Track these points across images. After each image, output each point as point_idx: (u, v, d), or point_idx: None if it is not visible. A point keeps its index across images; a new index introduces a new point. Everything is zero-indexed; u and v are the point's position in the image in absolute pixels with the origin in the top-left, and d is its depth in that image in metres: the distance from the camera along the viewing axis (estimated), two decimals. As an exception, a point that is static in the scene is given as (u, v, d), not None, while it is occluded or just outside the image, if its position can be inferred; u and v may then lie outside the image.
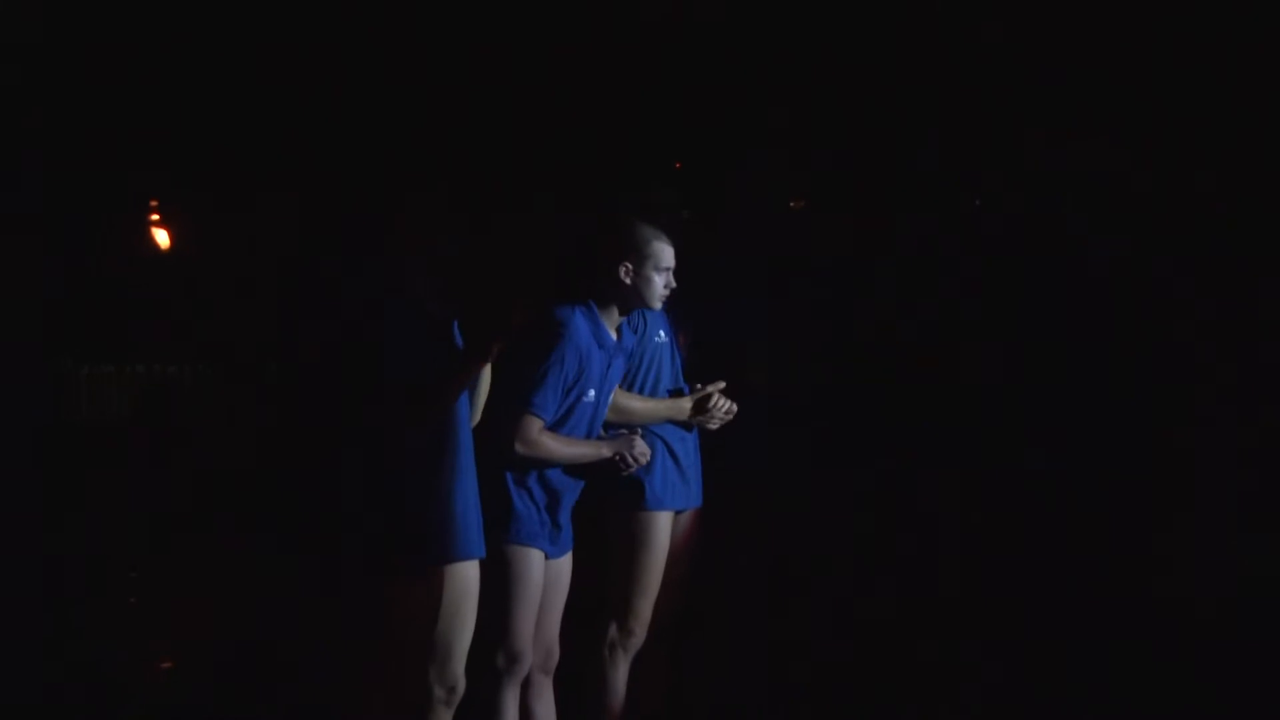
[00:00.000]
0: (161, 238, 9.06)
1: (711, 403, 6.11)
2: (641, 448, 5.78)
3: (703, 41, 7.36)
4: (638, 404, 6.06)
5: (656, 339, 6.10)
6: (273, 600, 7.51)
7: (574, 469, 5.75)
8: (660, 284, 5.82)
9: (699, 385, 6.12)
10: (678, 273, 6.10)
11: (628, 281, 5.77)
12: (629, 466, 5.78)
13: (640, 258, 5.77)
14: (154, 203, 8.91)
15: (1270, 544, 6.71)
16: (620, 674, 6.08)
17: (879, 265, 7.42)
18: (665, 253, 5.80)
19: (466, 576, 5.20)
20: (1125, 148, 7.01)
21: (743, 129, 7.45)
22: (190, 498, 8.44)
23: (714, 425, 6.13)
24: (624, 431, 5.81)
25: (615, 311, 5.83)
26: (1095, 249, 7.12)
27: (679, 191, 6.65)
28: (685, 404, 6.12)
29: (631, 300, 5.82)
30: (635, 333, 6.07)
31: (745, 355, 6.40)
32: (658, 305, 5.84)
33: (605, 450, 5.79)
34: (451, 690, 5.25)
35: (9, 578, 6.89)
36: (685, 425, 6.19)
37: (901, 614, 7.13)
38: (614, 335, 5.81)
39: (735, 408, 6.13)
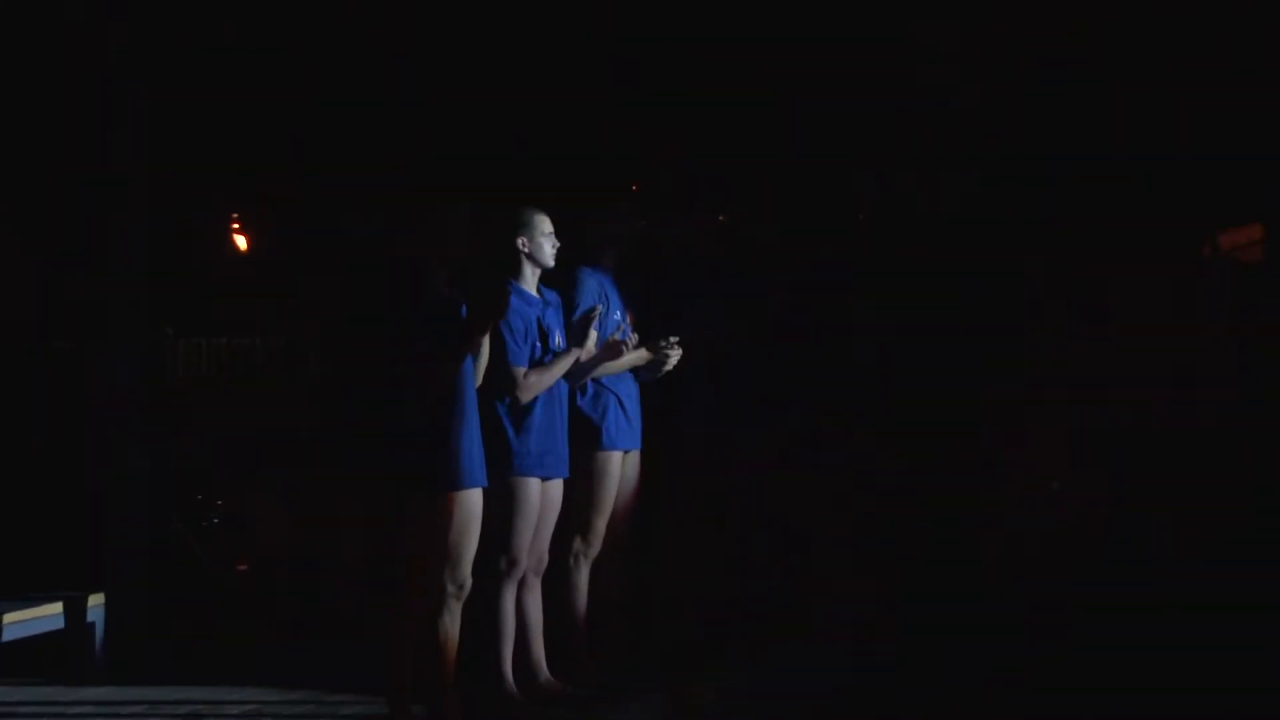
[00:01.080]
0: (241, 241, 9.68)
1: (661, 351, 6.88)
2: (588, 327, 6.65)
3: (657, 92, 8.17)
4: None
5: (614, 317, 6.91)
6: (323, 519, 8.37)
7: (553, 423, 6.48)
8: (548, 246, 6.60)
9: (661, 340, 6.89)
10: (632, 267, 7.05)
11: (526, 251, 6.54)
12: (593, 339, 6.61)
13: (528, 230, 6.55)
14: (235, 215, 9.57)
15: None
16: (583, 576, 6.91)
17: (786, 265, 8.27)
18: (544, 222, 6.60)
19: (473, 500, 5.92)
20: (976, 176, 7.98)
21: (682, 161, 8.34)
22: (262, 439, 8.98)
23: (669, 366, 6.92)
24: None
25: (528, 276, 6.57)
26: (951, 258, 8.02)
27: (637, 205, 7.46)
28: (644, 353, 6.91)
29: (534, 263, 6.57)
30: (600, 308, 6.77)
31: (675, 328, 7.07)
32: (551, 263, 6.60)
33: (571, 354, 6.59)
34: (461, 587, 5.95)
35: (126, 495, 7.88)
36: (637, 376, 6.93)
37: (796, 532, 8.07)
38: (535, 294, 6.59)
39: (680, 353, 6.92)
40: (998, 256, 7.99)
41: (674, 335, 6.93)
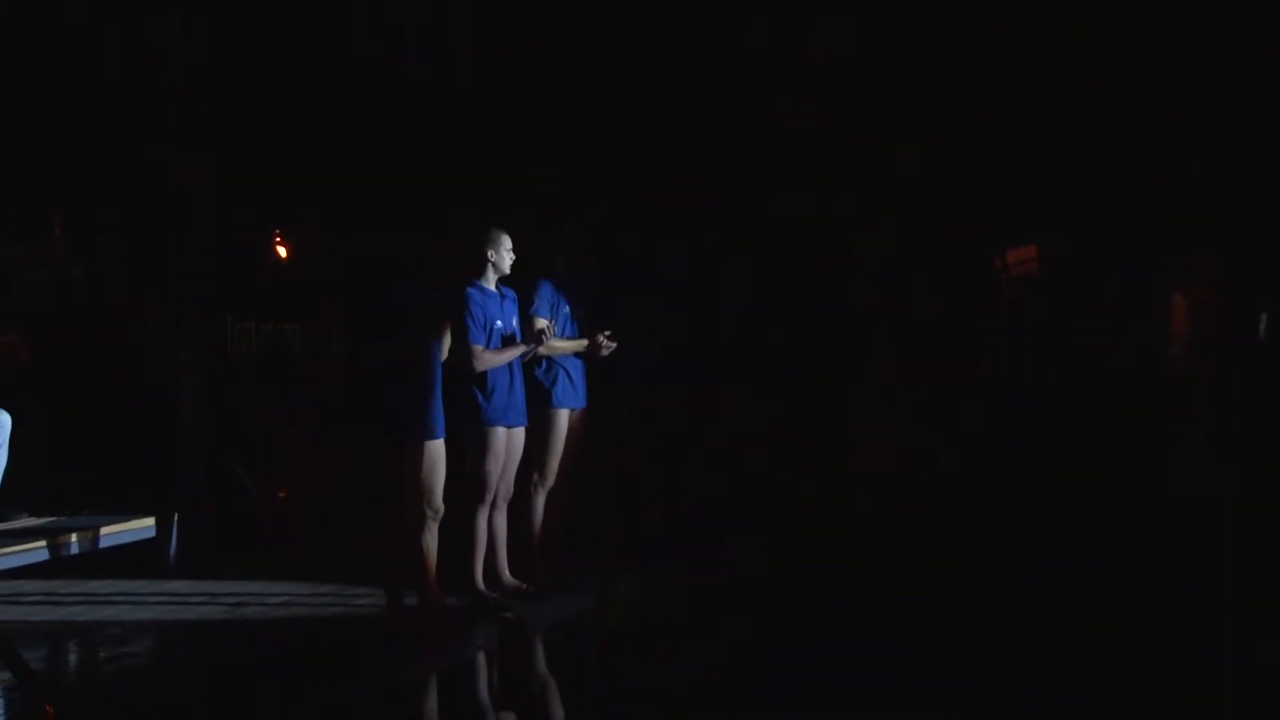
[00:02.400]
0: (281, 251, 10.55)
1: (600, 340, 7.79)
2: (541, 326, 7.43)
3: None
4: (561, 343, 7.80)
5: (564, 310, 7.86)
6: (339, 461, 9.03)
7: (511, 387, 7.28)
8: (508, 257, 7.42)
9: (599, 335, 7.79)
10: (582, 278, 8.01)
11: (491, 260, 7.41)
12: (542, 343, 7.38)
13: (494, 244, 7.41)
14: (277, 231, 10.44)
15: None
16: (539, 503, 7.95)
17: (697, 270, 9.63)
18: (505, 239, 7.43)
19: (438, 448, 6.82)
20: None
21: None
22: (296, 400, 9.86)
23: (604, 353, 7.79)
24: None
25: (491, 277, 7.40)
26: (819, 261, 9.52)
27: (583, 224, 8.38)
28: (585, 343, 7.83)
29: (497, 269, 7.39)
30: (552, 309, 7.62)
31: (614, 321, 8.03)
32: (508, 271, 7.41)
33: (520, 347, 7.38)
34: (436, 512, 6.82)
35: (193, 440, 8.79)
36: (581, 356, 7.79)
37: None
38: (495, 291, 7.41)
39: (614, 344, 7.82)
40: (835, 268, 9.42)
41: (608, 330, 7.92)
